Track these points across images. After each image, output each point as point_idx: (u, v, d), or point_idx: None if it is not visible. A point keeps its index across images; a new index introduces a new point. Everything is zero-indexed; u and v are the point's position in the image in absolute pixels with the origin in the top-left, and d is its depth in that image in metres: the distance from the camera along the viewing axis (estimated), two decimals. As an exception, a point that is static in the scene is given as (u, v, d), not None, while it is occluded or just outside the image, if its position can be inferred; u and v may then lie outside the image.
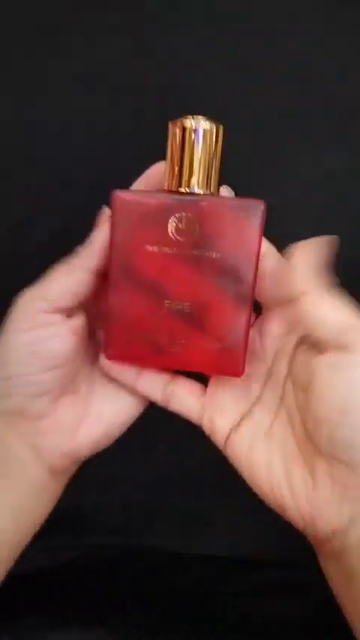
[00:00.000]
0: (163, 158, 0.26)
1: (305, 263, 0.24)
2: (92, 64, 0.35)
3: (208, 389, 0.28)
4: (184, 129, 0.24)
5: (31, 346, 0.24)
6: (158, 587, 0.36)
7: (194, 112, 0.32)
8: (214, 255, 0.24)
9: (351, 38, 0.33)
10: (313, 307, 0.23)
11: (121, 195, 0.24)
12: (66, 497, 0.39)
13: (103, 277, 0.26)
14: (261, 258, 0.24)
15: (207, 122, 0.24)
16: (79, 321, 0.26)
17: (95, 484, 0.39)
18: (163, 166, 0.25)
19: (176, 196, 0.24)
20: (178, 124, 0.24)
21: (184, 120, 0.24)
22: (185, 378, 0.28)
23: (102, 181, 0.37)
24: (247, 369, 0.26)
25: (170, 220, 0.24)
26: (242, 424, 0.26)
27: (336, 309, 0.23)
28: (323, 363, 0.23)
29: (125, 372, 0.27)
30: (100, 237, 0.25)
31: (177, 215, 0.24)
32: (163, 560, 0.38)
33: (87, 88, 0.36)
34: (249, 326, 0.25)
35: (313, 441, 0.24)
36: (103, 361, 0.27)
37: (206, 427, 0.27)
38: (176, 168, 0.24)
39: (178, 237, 0.24)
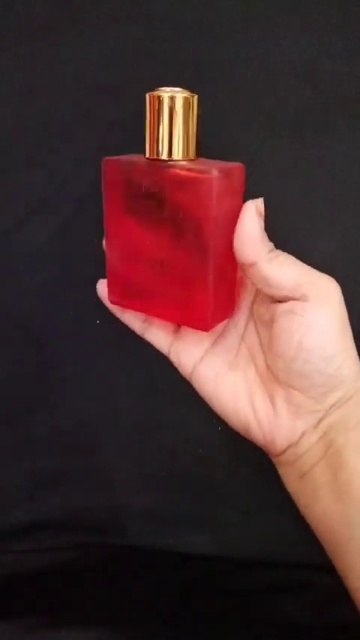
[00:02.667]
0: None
1: (249, 233, 0.27)
2: (93, 63, 0.35)
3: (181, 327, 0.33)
4: (159, 100, 0.25)
5: None
6: (158, 586, 0.36)
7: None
8: (179, 215, 0.26)
9: (351, 37, 0.33)
10: (266, 273, 0.27)
11: (108, 161, 0.27)
12: (66, 498, 0.39)
13: None
14: (239, 220, 0.27)
15: (181, 93, 0.25)
16: None
17: (95, 484, 0.39)
18: None
19: (150, 164, 0.26)
20: (155, 95, 0.25)
21: (159, 91, 0.25)
22: None
23: (101, 181, 0.37)
24: None
25: (143, 187, 0.26)
26: (205, 358, 0.31)
27: (285, 271, 0.27)
28: (281, 310, 0.28)
29: (114, 307, 0.32)
30: None
31: (148, 181, 0.26)
32: (163, 560, 0.38)
33: (87, 88, 0.36)
34: (213, 281, 0.27)
35: (273, 373, 0.29)
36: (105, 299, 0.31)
37: (173, 360, 0.32)
38: (154, 138, 0.26)
39: (149, 202, 0.26)
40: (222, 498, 0.38)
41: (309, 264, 0.34)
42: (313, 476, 0.29)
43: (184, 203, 0.26)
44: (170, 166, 0.26)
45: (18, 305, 0.38)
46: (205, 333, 0.31)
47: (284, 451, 0.30)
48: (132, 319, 0.32)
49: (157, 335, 0.32)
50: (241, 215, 0.27)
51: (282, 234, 0.34)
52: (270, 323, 0.29)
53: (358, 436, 0.28)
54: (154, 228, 0.27)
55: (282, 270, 0.27)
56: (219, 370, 0.31)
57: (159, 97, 0.25)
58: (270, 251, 0.27)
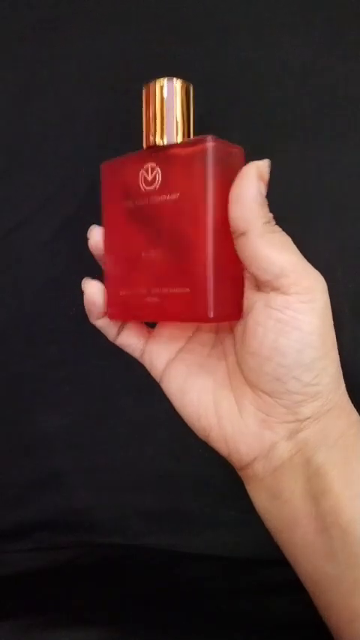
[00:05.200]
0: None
1: (244, 194, 0.23)
2: (93, 63, 0.35)
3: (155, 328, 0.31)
4: (149, 88, 0.26)
5: None
6: (158, 586, 0.36)
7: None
8: (173, 197, 0.24)
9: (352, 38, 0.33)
10: (254, 248, 0.23)
11: (106, 163, 0.27)
12: (66, 498, 0.39)
13: None
14: (236, 179, 0.24)
15: (169, 80, 0.25)
16: None
17: (95, 484, 0.39)
18: None
19: (144, 150, 0.26)
20: (146, 86, 0.26)
21: (149, 82, 0.26)
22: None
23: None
24: None
25: (140, 173, 0.25)
26: (177, 357, 0.29)
27: (276, 251, 0.23)
28: (260, 301, 0.24)
29: (95, 319, 0.30)
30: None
31: (145, 167, 0.25)
32: (163, 560, 0.38)
33: (88, 88, 0.36)
34: (216, 267, 0.24)
35: (243, 373, 0.26)
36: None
37: (145, 361, 0.30)
38: (147, 125, 0.26)
39: (146, 187, 0.25)
40: (222, 498, 0.38)
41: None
42: (289, 499, 0.25)
43: (180, 181, 0.24)
44: (165, 148, 0.25)
45: (18, 305, 0.38)
46: (179, 329, 0.29)
47: (250, 464, 0.26)
48: (108, 325, 0.30)
49: (130, 338, 0.30)
50: (238, 174, 0.23)
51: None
52: (246, 314, 0.26)
53: (342, 454, 0.24)
54: (148, 218, 0.25)
55: (272, 250, 0.23)
56: (189, 369, 0.28)
57: (149, 84, 0.26)
58: (267, 222, 0.24)
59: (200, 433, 0.28)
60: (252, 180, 0.23)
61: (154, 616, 0.34)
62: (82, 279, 0.37)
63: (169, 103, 0.25)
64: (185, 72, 0.35)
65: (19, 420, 0.39)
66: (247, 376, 0.26)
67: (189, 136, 0.26)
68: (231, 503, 0.38)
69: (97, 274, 0.33)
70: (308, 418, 0.25)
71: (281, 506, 0.26)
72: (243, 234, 0.23)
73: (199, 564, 0.38)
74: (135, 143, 0.32)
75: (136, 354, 0.30)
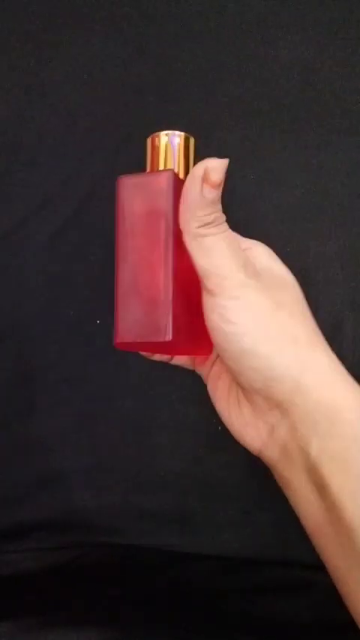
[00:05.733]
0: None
1: (183, 196, 0.24)
2: (93, 64, 0.35)
3: None
4: (152, 140, 0.27)
5: None
6: (158, 586, 0.36)
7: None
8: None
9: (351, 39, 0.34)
10: (189, 250, 0.24)
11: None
12: (66, 498, 0.39)
13: None
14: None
15: (171, 135, 0.27)
16: None
17: (95, 484, 0.39)
18: None
19: None
20: (150, 138, 0.27)
21: (153, 134, 0.27)
22: None
23: (101, 181, 0.37)
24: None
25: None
26: (215, 364, 0.30)
27: (200, 254, 0.24)
28: (205, 304, 0.25)
29: None
30: None
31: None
32: (163, 560, 0.38)
33: (87, 88, 0.36)
34: (122, 291, 0.25)
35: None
36: None
37: (198, 372, 0.32)
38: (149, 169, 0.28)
39: None
40: (222, 498, 0.38)
41: (309, 264, 0.33)
42: (297, 487, 0.25)
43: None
44: None
45: (18, 305, 0.38)
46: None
47: (260, 453, 0.27)
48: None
49: (182, 359, 0.32)
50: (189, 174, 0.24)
51: (282, 234, 0.34)
52: None
53: (338, 445, 0.24)
54: None
55: (199, 252, 0.24)
56: (217, 373, 0.30)
57: (152, 137, 0.27)
58: (202, 225, 0.24)
59: (226, 426, 0.30)
60: (192, 182, 0.23)
61: (154, 616, 0.34)
62: (82, 279, 0.37)
63: (169, 154, 0.27)
64: (185, 72, 0.35)
65: (19, 420, 0.39)
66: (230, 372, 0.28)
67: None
68: (231, 503, 0.38)
69: (98, 274, 0.33)
70: (283, 403, 0.25)
71: (294, 494, 0.26)
72: (184, 233, 0.24)
73: (199, 564, 0.38)
74: (134, 143, 0.33)
75: (187, 365, 0.32)
